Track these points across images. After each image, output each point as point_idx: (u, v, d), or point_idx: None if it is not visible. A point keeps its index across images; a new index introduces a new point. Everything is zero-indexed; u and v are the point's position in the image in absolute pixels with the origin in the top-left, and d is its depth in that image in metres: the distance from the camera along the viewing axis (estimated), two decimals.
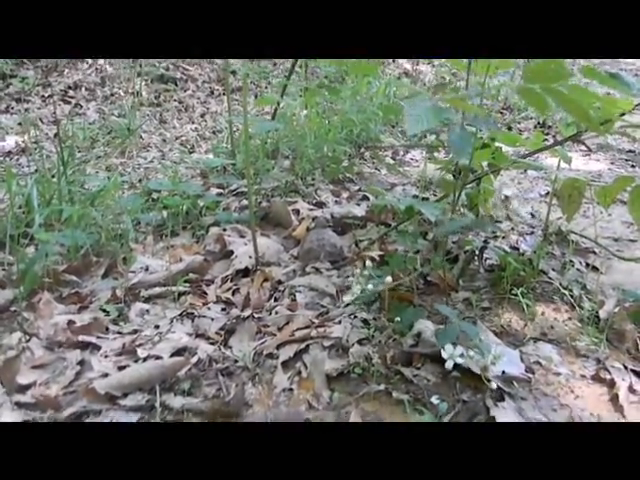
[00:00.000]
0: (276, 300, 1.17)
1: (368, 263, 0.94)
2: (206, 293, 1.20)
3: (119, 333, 1.02)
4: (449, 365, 0.81)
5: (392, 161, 2.50)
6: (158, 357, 0.93)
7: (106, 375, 0.87)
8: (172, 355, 0.94)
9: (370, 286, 0.88)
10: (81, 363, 0.90)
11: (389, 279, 0.89)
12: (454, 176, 1.37)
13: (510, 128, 1.53)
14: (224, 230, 1.49)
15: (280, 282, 1.24)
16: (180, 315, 1.09)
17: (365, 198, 1.87)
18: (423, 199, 1.70)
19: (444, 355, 0.81)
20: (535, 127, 2.90)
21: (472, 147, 0.85)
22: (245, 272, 1.29)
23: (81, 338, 0.97)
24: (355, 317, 1.04)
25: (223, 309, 1.13)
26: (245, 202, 1.76)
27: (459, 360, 0.81)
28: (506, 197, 1.78)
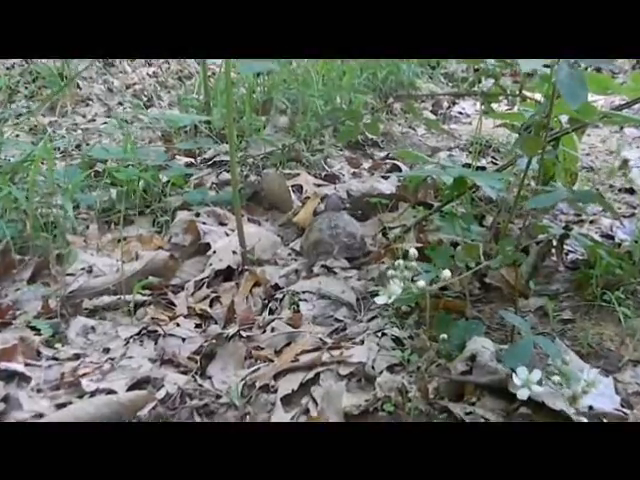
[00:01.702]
0: (272, 312, 1.19)
1: (412, 251, 0.94)
2: (174, 304, 1.22)
3: (55, 359, 1.04)
4: (522, 395, 0.80)
5: (433, 116, 2.50)
6: (111, 391, 0.95)
7: (40, 416, 0.89)
8: (130, 388, 0.96)
9: (421, 282, 0.87)
10: (5, 400, 0.92)
11: (447, 273, 0.88)
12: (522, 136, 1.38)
13: (599, 70, 1.52)
14: (197, 215, 1.52)
15: (277, 287, 1.26)
16: (139, 334, 1.11)
17: (395, 168, 1.88)
18: (478, 168, 1.71)
19: (516, 381, 0.81)
20: (633, 68, 2.89)
21: (587, 90, 0.83)
22: (228, 274, 1.31)
23: (2, 366, 0.99)
24: (383, 334, 1.06)
25: (198, 325, 1.16)
26: (226, 176, 1.78)
27: (536, 389, 0.81)
28: (625, 161, 1.73)
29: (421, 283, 0.84)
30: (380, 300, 0.84)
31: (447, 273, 0.85)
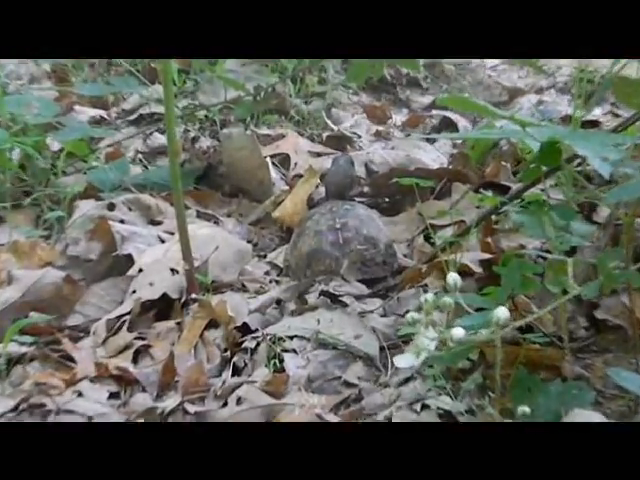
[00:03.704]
0: (238, 372, 1.21)
1: (453, 277, 0.96)
2: (72, 358, 1.23)
3: None
4: None
5: None
6: None
7: None
8: None
9: (458, 332, 0.88)
10: None
11: (502, 313, 0.88)
12: None
13: None
14: (110, 208, 1.55)
15: (247, 329, 1.28)
16: (15, 410, 1.13)
17: (447, 126, 1.91)
18: (585, 125, 1.73)
19: None
20: None
21: None
22: (163, 307, 1.33)
23: None
24: (424, 408, 1.07)
25: (114, 395, 1.17)
26: (160, 139, 1.80)
27: None
28: None
29: (458, 332, 0.83)
30: (402, 361, 0.85)
31: (503, 313, 0.84)
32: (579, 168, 1.48)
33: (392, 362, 1.20)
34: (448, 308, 0.87)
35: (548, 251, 1.19)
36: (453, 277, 0.89)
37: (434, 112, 2.01)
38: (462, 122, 1.91)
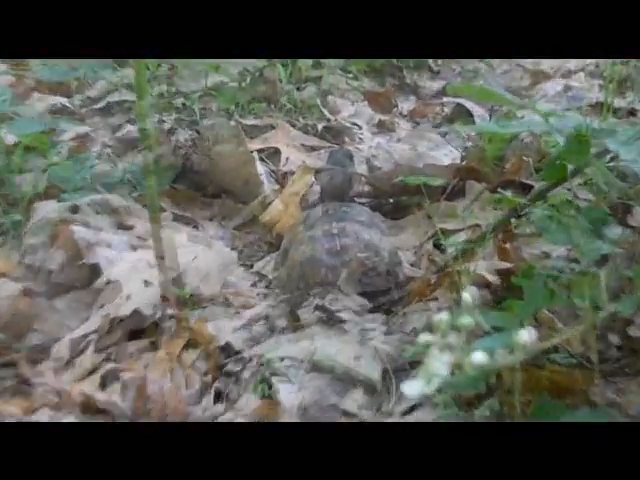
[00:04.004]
0: (220, 399, 1.22)
1: (471, 292, 0.96)
2: (29, 384, 1.24)
3: None
4: None
5: None
6: None
7: None
8: None
9: (479, 357, 0.88)
10: None
11: (524, 336, 0.89)
12: None
13: None
14: (74, 211, 1.55)
15: (231, 351, 1.29)
16: None
17: (460, 115, 1.92)
18: (618, 113, 1.74)
19: None
20: None
21: None
22: (135, 325, 1.33)
23: None
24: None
25: None
26: (131, 131, 1.81)
27: None
28: None
29: (479, 357, 0.83)
30: (412, 389, 0.84)
31: (529, 335, 0.85)
32: (611, 164, 1.48)
33: (396, 387, 1.20)
34: (467, 329, 0.87)
35: (576, 260, 1.19)
36: (471, 292, 0.89)
37: (445, 99, 2.02)
38: (478, 111, 1.92)
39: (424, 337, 0.87)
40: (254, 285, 1.47)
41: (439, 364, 0.83)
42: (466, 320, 0.85)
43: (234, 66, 1.92)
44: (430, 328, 1.05)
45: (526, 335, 0.84)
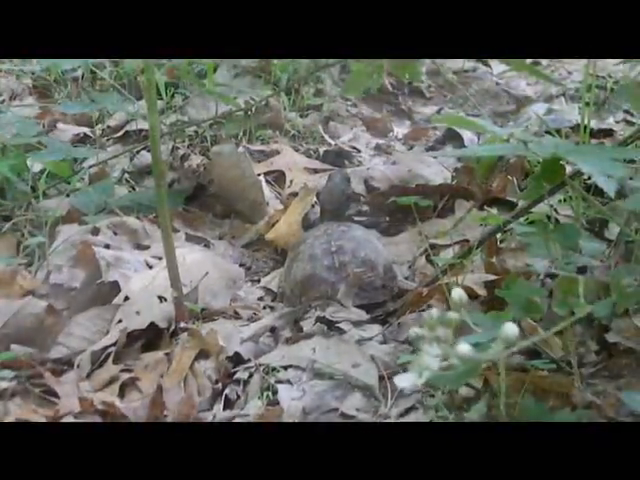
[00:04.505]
0: (229, 405, 1.23)
1: (458, 293, 0.96)
2: (55, 393, 1.25)
3: None
4: None
5: None
6: None
7: None
8: None
9: (463, 347, 0.88)
10: None
11: (511, 329, 0.88)
12: None
13: None
14: (95, 232, 1.56)
15: (239, 359, 1.29)
16: None
17: (450, 137, 1.92)
18: (596, 135, 1.74)
19: None
20: None
21: None
22: (151, 337, 1.34)
23: None
24: None
25: None
26: (147, 158, 1.81)
27: None
28: None
29: (464, 348, 0.83)
30: (404, 381, 0.84)
31: (511, 329, 0.85)
32: (590, 181, 1.49)
33: (392, 392, 1.21)
34: (454, 324, 0.87)
35: (555, 273, 1.20)
36: (458, 293, 0.90)
37: (437, 125, 2.02)
38: (467, 134, 1.92)
39: (414, 330, 0.87)
40: (261, 299, 1.48)
41: (430, 358, 0.84)
42: (453, 315, 0.86)
43: (241, 96, 1.92)
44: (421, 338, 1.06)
45: (509, 329, 0.84)
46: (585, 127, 1.41)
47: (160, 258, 1.46)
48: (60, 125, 1.95)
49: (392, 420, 1.15)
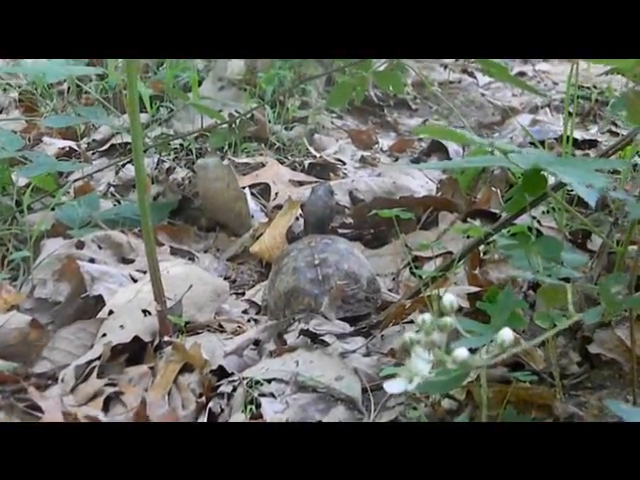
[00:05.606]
0: (213, 417, 1.22)
1: (449, 298, 0.95)
2: (39, 408, 1.24)
3: None
4: None
5: None
6: None
7: None
8: None
9: (461, 353, 0.87)
10: None
11: (507, 334, 0.86)
12: None
13: None
14: (79, 246, 1.56)
15: (223, 373, 1.29)
16: None
17: (435, 148, 1.93)
18: (580, 145, 1.74)
19: None
20: None
21: None
22: (135, 351, 1.34)
23: None
24: None
25: None
26: (132, 172, 1.81)
27: None
28: None
29: (461, 353, 0.83)
30: (394, 387, 0.84)
31: (507, 334, 0.85)
32: (573, 193, 1.49)
33: (375, 405, 1.21)
34: (448, 329, 0.87)
35: (538, 284, 1.20)
36: (449, 298, 0.89)
37: (421, 137, 2.03)
38: (453, 146, 1.93)
39: (409, 335, 0.87)
40: (245, 312, 1.48)
41: (421, 362, 0.83)
42: (447, 320, 0.86)
43: (226, 108, 1.93)
44: (406, 350, 1.06)
45: (505, 335, 0.83)
46: (568, 138, 1.42)
47: (145, 272, 1.46)
48: (46, 139, 1.96)
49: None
